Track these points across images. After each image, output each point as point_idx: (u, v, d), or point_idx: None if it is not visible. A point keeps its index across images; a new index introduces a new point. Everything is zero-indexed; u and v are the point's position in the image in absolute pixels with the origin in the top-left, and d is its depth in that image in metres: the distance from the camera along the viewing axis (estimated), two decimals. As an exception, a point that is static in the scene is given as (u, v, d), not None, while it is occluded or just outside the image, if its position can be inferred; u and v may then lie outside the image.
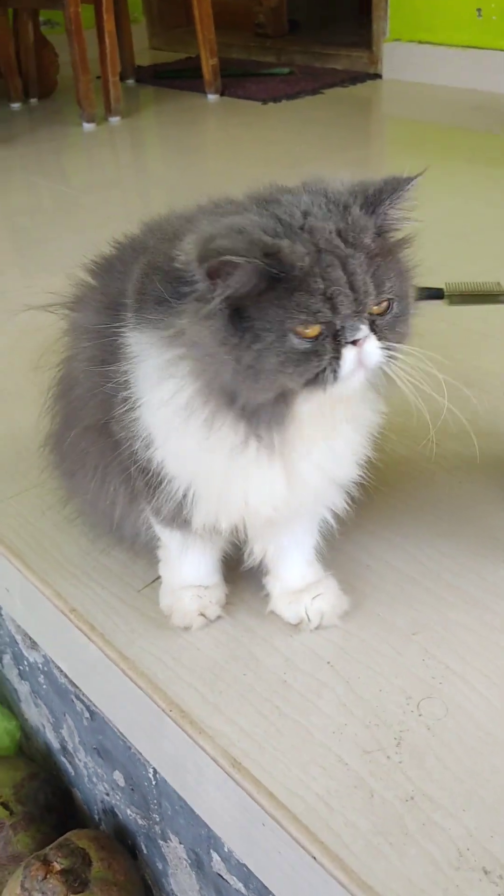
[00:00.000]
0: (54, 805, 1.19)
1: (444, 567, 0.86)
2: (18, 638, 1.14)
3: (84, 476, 0.81)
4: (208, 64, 2.90)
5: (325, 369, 0.60)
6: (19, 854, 1.09)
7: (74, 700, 1.05)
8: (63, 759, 1.21)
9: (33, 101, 3.06)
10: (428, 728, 0.69)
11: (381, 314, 0.61)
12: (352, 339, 0.60)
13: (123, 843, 1.10)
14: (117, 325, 0.69)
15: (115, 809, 1.10)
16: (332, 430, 0.68)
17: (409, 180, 0.62)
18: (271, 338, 0.59)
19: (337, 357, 0.60)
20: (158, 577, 0.84)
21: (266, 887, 0.75)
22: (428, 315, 1.37)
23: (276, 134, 2.64)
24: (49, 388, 0.86)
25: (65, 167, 2.58)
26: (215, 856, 0.87)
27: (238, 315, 0.59)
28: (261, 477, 0.67)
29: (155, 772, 0.91)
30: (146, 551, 0.84)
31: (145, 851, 1.06)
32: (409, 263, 0.65)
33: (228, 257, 0.56)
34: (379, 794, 0.64)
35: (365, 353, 0.60)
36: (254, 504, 0.69)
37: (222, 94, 2.97)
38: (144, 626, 0.82)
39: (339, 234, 0.59)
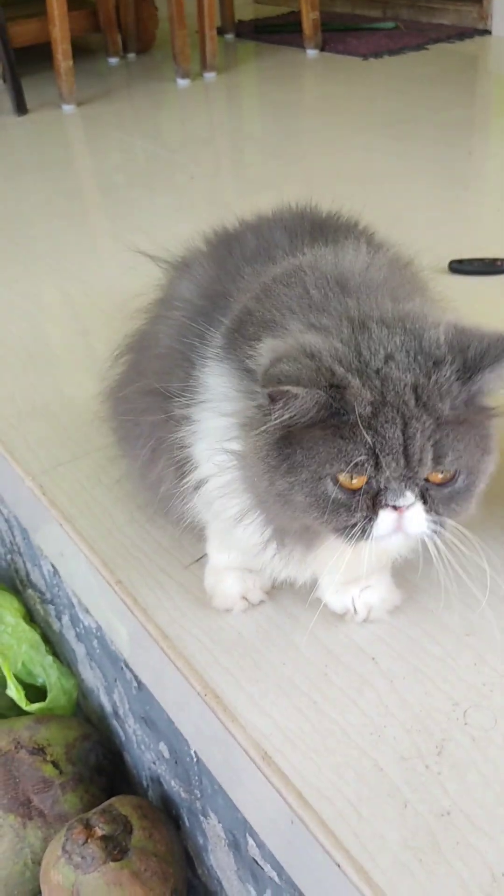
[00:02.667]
0: (104, 767, 1.21)
1: (508, 564, 0.80)
2: (75, 600, 1.14)
3: (136, 442, 0.79)
4: (309, 18, 2.80)
5: (356, 525, 0.54)
6: (66, 814, 1.11)
7: (124, 668, 1.04)
8: (115, 723, 1.21)
9: (131, 55, 3.03)
10: (473, 739, 0.65)
11: (441, 484, 0.54)
12: (393, 504, 0.54)
13: (168, 814, 1.10)
14: (205, 328, 0.65)
15: (161, 779, 1.10)
16: (360, 566, 0.61)
17: None
18: (306, 475, 0.54)
19: (372, 517, 0.54)
20: (205, 555, 0.81)
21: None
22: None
23: (376, 91, 2.54)
24: (125, 336, 0.84)
25: (159, 124, 2.55)
26: (251, 841, 0.85)
27: (284, 439, 0.54)
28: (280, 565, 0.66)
29: (195, 750, 0.89)
30: (190, 528, 0.82)
31: (188, 824, 1.06)
32: (493, 435, 0.57)
33: (289, 388, 0.51)
34: (413, 805, 0.61)
35: (407, 520, 0.54)
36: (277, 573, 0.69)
37: (322, 50, 2.87)
38: (188, 604, 0.80)
39: (414, 390, 0.52)
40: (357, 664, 0.72)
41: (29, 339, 1.34)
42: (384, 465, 0.52)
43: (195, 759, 0.92)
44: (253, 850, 0.86)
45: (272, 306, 0.60)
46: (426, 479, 0.54)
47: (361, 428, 0.52)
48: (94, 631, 1.11)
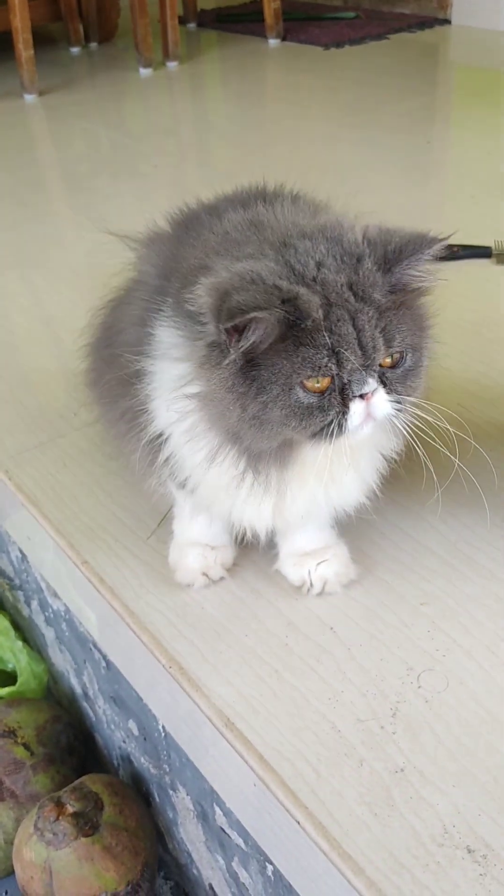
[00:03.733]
0: (75, 748, 1.22)
1: (462, 538, 0.83)
2: (43, 585, 1.16)
3: (114, 420, 0.81)
4: (270, 7, 2.81)
5: (331, 422, 0.59)
6: (37, 794, 1.12)
7: (93, 649, 1.06)
8: (85, 705, 1.23)
9: (93, 45, 3.02)
10: (426, 701, 0.68)
11: (393, 366, 0.59)
12: (359, 393, 0.58)
13: (139, 790, 1.12)
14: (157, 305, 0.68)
15: (131, 757, 1.12)
16: (332, 476, 0.65)
17: (432, 242, 0.59)
18: (277, 390, 0.58)
19: (344, 411, 0.59)
20: (164, 520, 0.83)
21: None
22: (473, 274, 1.34)
23: (337, 81, 2.56)
24: (96, 315, 0.86)
25: (121, 113, 2.55)
26: (218, 810, 0.88)
27: (248, 364, 0.58)
28: (253, 505, 0.67)
29: (162, 724, 0.92)
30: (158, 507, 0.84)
31: (157, 800, 1.08)
32: (426, 313, 0.63)
33: (253, 314, 0.54)
34: (369, 763, 0.64)
35: (373, 406, 0.59)
36: (248, 521, 0.71)
37: (284, 39, 2.89)
38: (153, 581, 0.82)
39: (350, 287, 0.57)
40: (316, 634, 0.74)
41: (-7, 328, 1.35)
42: (344, 359, 0.57)
43: (163, 734, 0.94)
44: (220, 820, 0.88)
45: (202, 253, 0.65)
46: (381, 365, 0.59)
47: (318, 332, 0.56)
48: (63, 614, 1.12)
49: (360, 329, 0.57)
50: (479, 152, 1.88)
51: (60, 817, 1.01)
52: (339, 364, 0.57)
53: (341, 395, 0.58)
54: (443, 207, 1.67)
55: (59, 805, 1.02)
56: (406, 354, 0.60)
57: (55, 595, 1.12)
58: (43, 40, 3.06)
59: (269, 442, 0.61)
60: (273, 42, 2.87)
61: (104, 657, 1.03)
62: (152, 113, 2.52)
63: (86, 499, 0.93)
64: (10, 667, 1.34)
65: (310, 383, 0.57)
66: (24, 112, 2.47)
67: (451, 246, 1.38)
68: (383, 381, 0.59)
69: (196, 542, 0.79)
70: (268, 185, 0.84)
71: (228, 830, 0.87)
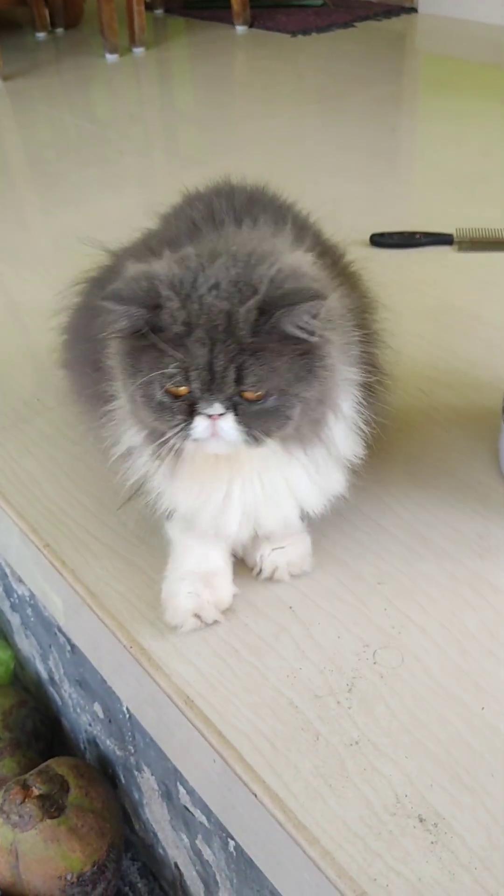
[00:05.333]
0: (42, 733, 1.23)
1: (419, 518, 0.85)
2: (7, 570, 1.16)
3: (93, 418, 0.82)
4: (238, -7, 2.80)
5: (178, 426, 0.62)
6: (4, 778, 1.13)
7: (58, 633, 1.07)
8: (51, 690, 1.24)
9: (59, 30, 3.00)
10: (381, 676, 0.70)
11: (252, 401, 0.61)
12: (204, 412, 0.61)
13: (105, 773, 1.13)
14: None
15: (97, 740, 1.13)
16: (225, 482, 0.69)
17: (310, 298, 0.59)
18: (142, 380, 0.61)
19: (189, 421, 0.61)
20: (132, 499, 0.78)
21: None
22: (435, 261, 1.35)
23: (304, 68, 2.56)
24: (72, 294, 0.90)
25: (88, 99, 2.53)
26: (181, 789, 0.89)
27: (132, 349, 0.62)
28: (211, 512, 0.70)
29: (127, 706, 0.93)
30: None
31: (123, 781, 1.10)
32: (320, 367, 0.63)
33: (108, 303, 0.60)
34: (324, 737, 0.65)
35: (219, 428, 0.62)
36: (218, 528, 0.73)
37: (251, 26, 2.88)
38: (114, 564, 0.83)
39: (227, 316, 0.59)
40: (275, 613, 0.76)
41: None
42: (191, 378, 0.60)
43: (127, 716, 0.95)
44: (184, 798, 0.89)
45: (161, 240, 0.70)
46: (241, 395, 0.61)
47: (178, 345, 0.60)
48: (28, 599, 1.13)
49: (215, 357, 0.59)
50: (443, 141, 1.89)
51: (26, 800, 1.01)
52: (187, 381, 0.60)
53: (191, 407, 0.61)
54: (407, 194, 1.68)
55: (25, 788, 1.03)
56: (269, 396, 0.61)
57: (20, 580, 1.12)
58: (8, 25, 3.04)
59: (150, 425, 0.65)
60: (240, 29, 2.86)
61: (69, 641, 1.03)
62: (118, 99, 2.50)
63: (48, 484, 0.93)
64: (-24, 654, 1.34)
65: (168, 386, 0.61)
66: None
67: (413, 233, 1.41)
68: (237, 410, 0.61)
69: (188, 571, 0.76)
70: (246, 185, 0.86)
71: (192, 808, 0.89)
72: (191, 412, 0.61)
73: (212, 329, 0.59)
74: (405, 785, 0.62)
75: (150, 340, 0.60)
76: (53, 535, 0.87)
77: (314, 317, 0.60)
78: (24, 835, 1.00)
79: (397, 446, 0.93)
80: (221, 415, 0.61)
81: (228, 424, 0.61)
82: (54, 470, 0.95)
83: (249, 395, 0.61)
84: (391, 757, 0.64)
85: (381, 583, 0.78)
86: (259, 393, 0.61)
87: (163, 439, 0.64)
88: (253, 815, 0.65)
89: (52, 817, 1.01)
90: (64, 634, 1.04)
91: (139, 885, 1.16)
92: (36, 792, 1.02)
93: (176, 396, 0.61)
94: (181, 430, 0.62)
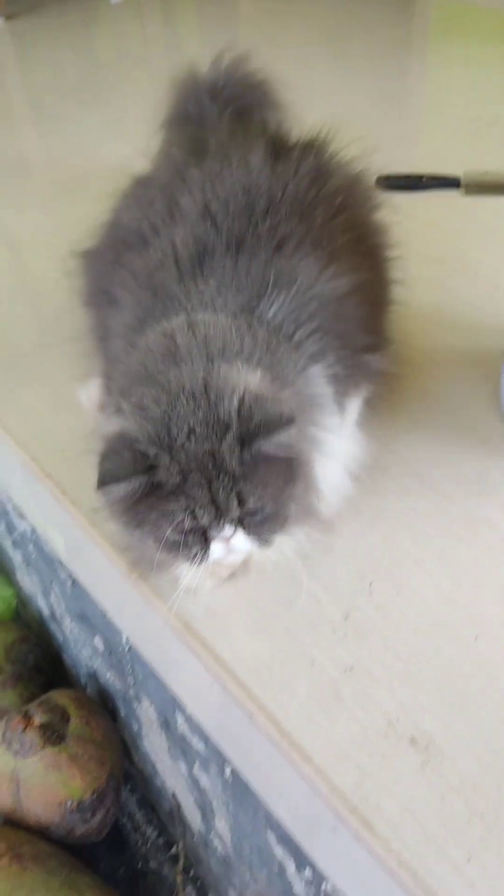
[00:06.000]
0: (43, 667, 1.25)
1: (418, 457, 0.85)
2: (9, 506, 1.17)
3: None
4: None
5: (195, 555, 0.65)
6: (5, 709, 1.15)
7: (59, 568, 1.08)
8: (52, 626, 1.26)
9: (62, -33, 2.92)
10: (377, 607, 0.71)
11: (253, 514, 0.64)
12: (218, 537, 0.64)
13: (105, 706, 1.16)
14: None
15: (97, 673, 1.15)
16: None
17: (285, 425, 0.62)
18: (150, 528, 0.65)
19: (206, 548, 0.65)
20: None
21: (218, 747, 0.79)
22: (442, 204, 1.34)
23: (314, 7, 2.50)
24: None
25: (91, 40, 2.48)
26: (179, 717, 0.91)
27: (130, 505, 0.64)
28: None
29: (127, 637, 0.94)
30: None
31: (123, 713, 1.12)
32: (291, 466, 0.66)
33: (112, 485, 0.62)
34: (320, 663, 0.67)
35: (233, 545, 0.65)
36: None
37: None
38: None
39: (212, 455, 0.62)
40: (273, 548, 0.76)
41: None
42: (199, 517, 0.63)
43: (127, 648, 0.97)
44: (182, 727, 0.91)
45: (124, 374, 0.71)
46: (241, 511, 0.64)
47: (178, 494, 0.63)
48: (30, 535, 1.14)
49: (214, 493, 0.62)
50: (452, 85, 1.86)
51: (28, 728, 1.04)
52: (195, 519, 0.63)
53: (203, 536, 0.65)
54: (414, 138, 1.66)
55: (27, 717, 1.05)
56: (266, 506, 0.65)
57: (21, 516, 1.13)
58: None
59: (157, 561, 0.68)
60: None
61: (70, 576, 1.05)
62: (122, 40, 2.45)
63: (49, 416, 0.94)
64: (-22, 591, 1.36)
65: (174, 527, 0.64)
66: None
67: (420, 176, 1.39)
68: (243, 525, 0.65)
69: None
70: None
71: (189, 736, 0.91)
72: (204, 539, 0.65)
73: (204, 471, 0.62)
74: (398, 710, 0.63)
75: (152, 496, 0.63)
76: (54, 466, 0.87)
77: (286, 441, 0.63)
78: (25, 762, 1.03)
79: (399, 387, 0.93)
80: (232, 536, 0.65)
81: (240, 540, 0.65)
82: (56, 403, 0.95)
83: (250, 511, 0.64)
84: (384, 683, 0.65)
85: (378, 519, 0.79)
86: (257, 508, 0.64)
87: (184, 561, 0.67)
88: (249, 737, 0.67)
89: (53, 745, 1.03)
90: (65, 569, 1.06)
91: (137, 815, 1.20)
92: (37, 721, 1.05)
93: (184, 532, 0.64)
94: (199, 557, 0.65)
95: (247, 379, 0.66)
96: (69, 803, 1.03)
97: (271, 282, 0.73)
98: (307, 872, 0.77)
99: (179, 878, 1.09)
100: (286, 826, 0.70)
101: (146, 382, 0.67)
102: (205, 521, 0.63)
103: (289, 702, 0.64)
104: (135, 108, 1.92)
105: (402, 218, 1.30)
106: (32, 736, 1.03)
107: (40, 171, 1.66)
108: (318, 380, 0.72)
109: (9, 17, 2.46)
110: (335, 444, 0.73)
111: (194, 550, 0.65)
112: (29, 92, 2.12)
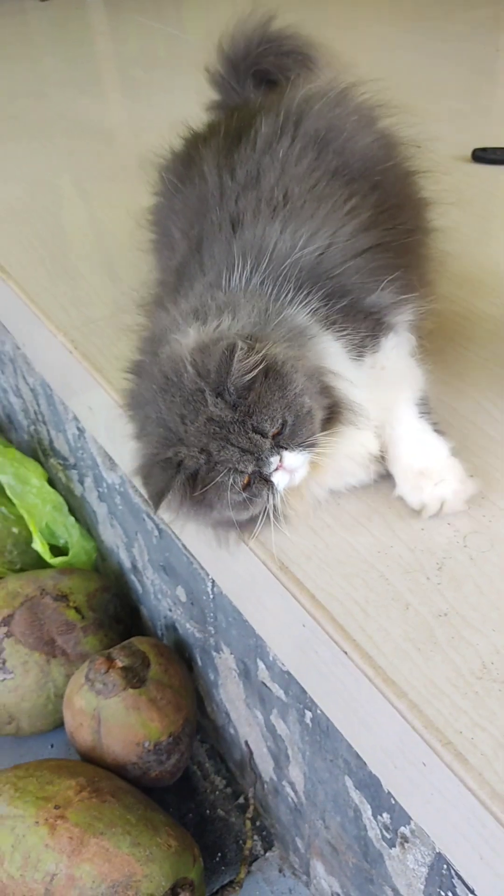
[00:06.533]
0: (122, 617, 1.29)
1: (512, 416, 0.86)
2: (99, 460, 1.21)
3: None
4: None
5: (267, 495, 0.69)
6: (87, 653, 1.20)
7: (146, 518, 1.11)
8: (133, 578, 1.29)
9: None
10: (471, 558, 0.72)
11: (280, 433, 0.68)
12: (272, 470, 0.68)
13: (181, 656, 1.19)
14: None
15: (176, 624, 1.18)
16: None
17: (233, 350, 0.65)
18: (218, 505, 0.69)
19: (270, 487, 0.69)
20: None
21: (304, 690, 0.81)
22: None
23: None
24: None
25: (180, 10, 2.50)
26: (261, 664, 0.93)
27: (193, 502, 0.70)
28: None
29: (213, 584, 0.97)
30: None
31: (200, 664, 1.15)
32: (284, 373, 0.68)
33: (168, 496, 0.68)
34: (414, 607, 0.68)
35: (288, 466, 0.69)
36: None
37: None
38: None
39: (210, 420, 0.66)
40: (366, 495, 0.78)
41: (55, 209, 1.37)
42: (242, 469, 0.67)
43: (212, 597, 1.00)
44: (262, 674, 0.94)
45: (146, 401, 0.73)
46: (271, 439, 0.68)
47: (212, 469, 0.67)
48: (118, 487, 1.18)
49: (236, 442, 0.67)
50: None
51: (110, 670, 1.07)
52: (239, 473, 0.67)
53: (261, 479, 0.68)
54: (507, 114, 1.64)
55: (110, 660, 1.09)
56: (286, 419, 0.68)
57: (111, 468, 1.17)
58: None
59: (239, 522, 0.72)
60: None
61: (157, 525, 1.08)
62: (212, 11, 2.46)
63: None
64: (61, 542, 1.41)
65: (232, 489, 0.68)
66: (83, 8, 2.44)
67: (500, 149, 1.38)
68: (282, 447, 0.68)
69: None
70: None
71: (270, 684, 0.93)
72: (264, 480, 0.68)
73: (216, 437, 0.66)
74: (492, 654, 0.64)
75: (198, 484, 0.68)
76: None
77: (248, 360, 0.65)
78: (107, 701, 1.07)
79: (487, 349, 0.94)
80: (281, 460, 0.68)
81: (290, 460, 0.68)
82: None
83: (276, 432, 0.68)
84: (479, 629, 0.66)
85: (473, 476, 0.79)
86: (279, 425, 0.67)
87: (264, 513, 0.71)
88: (339, 676, 0.68)
89: (133, 687, 1.07)
90: (152, 519, 1.09)
91: (207, 765, 1.23)
92: (119, 664, 1.08)
93: (244, 485, 0.68)
94: (270, 496, 0.69)
95: (194, 339, 0.70)
96: (146, 744, 1.07)
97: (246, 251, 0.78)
98: (384, 816, 0.79)
99: (248, 826, 1.12)
100: (371, 765, 0.72)
101: (146, 406, 0.72)
102: (251, 468, 0.67)
103: (384, 642, 0.65)
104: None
105: (497, 190, 1.30)
106: (115, 677, 1.07)
107: (124, 139, 1.69)
108: (298, 317, 0.74)
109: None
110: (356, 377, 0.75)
111: (264, 493, 0.69)
112: (119, 58, 2.16)
